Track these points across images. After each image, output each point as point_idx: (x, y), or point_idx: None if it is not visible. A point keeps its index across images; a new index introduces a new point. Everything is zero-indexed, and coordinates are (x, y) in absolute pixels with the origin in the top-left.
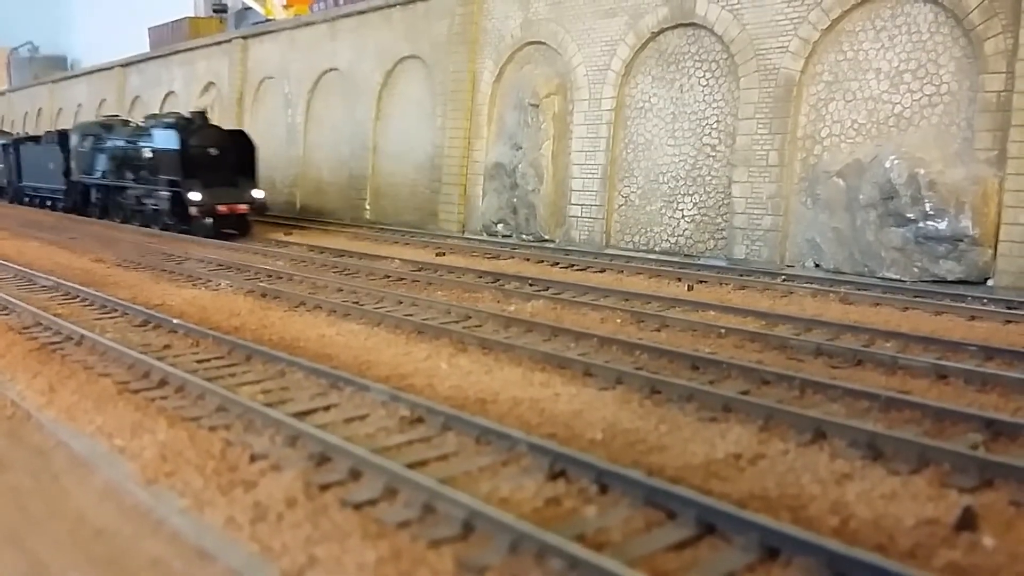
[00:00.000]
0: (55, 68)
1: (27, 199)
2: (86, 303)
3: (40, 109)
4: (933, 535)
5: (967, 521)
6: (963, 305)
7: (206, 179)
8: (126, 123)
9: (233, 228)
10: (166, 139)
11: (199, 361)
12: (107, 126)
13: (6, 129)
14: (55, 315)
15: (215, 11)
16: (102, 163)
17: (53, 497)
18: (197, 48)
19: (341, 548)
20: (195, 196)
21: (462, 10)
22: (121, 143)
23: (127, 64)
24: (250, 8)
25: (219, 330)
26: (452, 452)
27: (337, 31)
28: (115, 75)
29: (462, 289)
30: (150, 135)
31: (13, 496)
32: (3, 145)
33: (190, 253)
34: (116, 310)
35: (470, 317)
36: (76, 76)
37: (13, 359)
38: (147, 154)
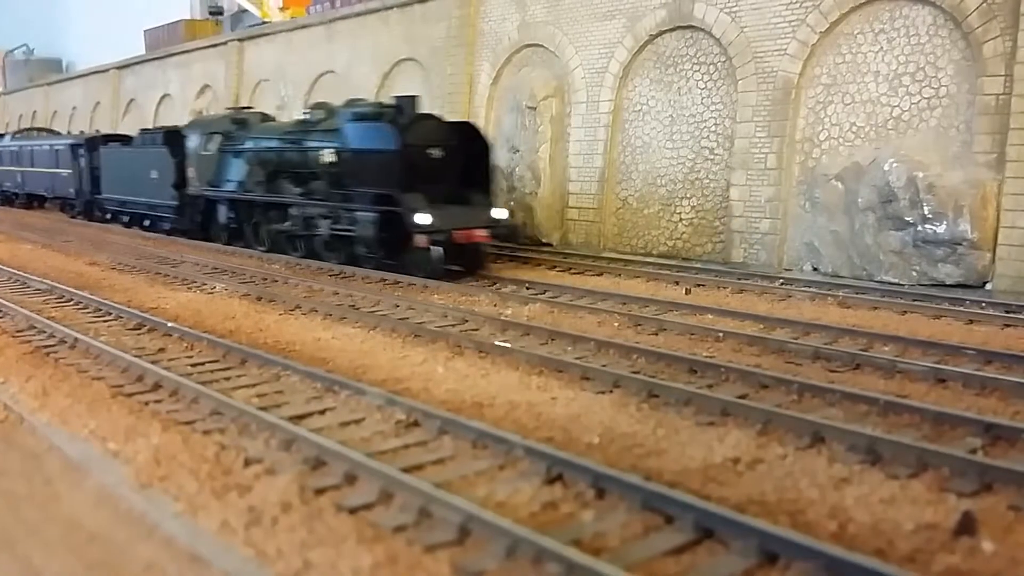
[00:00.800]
0: (50, 70)
1: (108, 216)
2: (80, 306)
3: (35, 112)
4: (932, 540)
5: (966, 526)
6: (962, 309)
7: (429, 193)
8: (266, 117)
9: (459, 261)
10: (372, 136)
11: (193, 365)
12: (240, 121)
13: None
14: (49, 318)
15: (211, 13)
16: (238, 171)
17: (46, 501)
18: (193, 50)
19: (336, 552)
20: (423, 218)
21: (459, 13)
22: (274, 144)
23: (122, 66)
24: (246, 11)
25: (214, 333)
26: (448, 456)
27: (334, 33)
28: (110, 77)
29: (458, 292)
30: (337, 132)
31: (5, 500)
32: (71, 146)
33: (185, 256)
34: (110, 313)
35: (467, 320)
36: (71, 78)
37: (6, 362)
38: (327, 158)
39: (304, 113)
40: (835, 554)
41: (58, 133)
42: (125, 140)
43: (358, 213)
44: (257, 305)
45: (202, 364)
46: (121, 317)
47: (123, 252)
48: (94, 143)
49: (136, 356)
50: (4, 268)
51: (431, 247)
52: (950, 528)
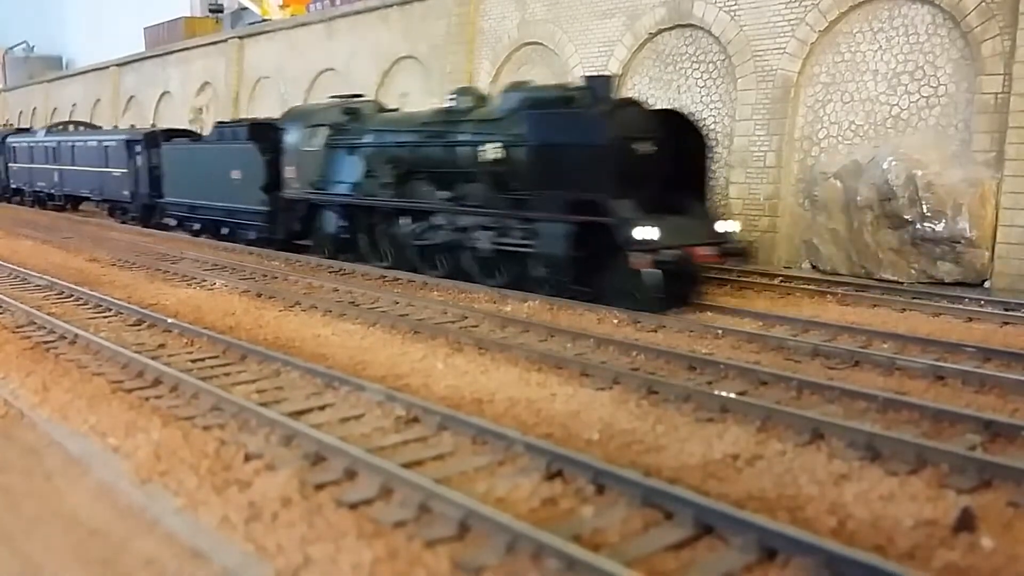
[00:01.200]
0: (50, 68)
1: (174, 223)
2: (80, 302)
3: (35, 109)
4: (931, 536)
5: (965, 522)
6: (960, 307)
7: (642, 200)
8: (383, 109)
9: (670, 287)
10: (564, 127)
11: (193, 360)
12: (352, 112)
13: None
14: (49, 314)
15: (211, 11)
16: (353, 170)
17: (46, 497)
18: (193, 48)
19: (336, 548)
20: (646, 232)
21: (459, 10)
22: (407, 137)
23: (122, 64)
24: (246, 8)
25: (214, 329)
26: (448, 452)
27: (334, 31)
28: (110, 75)
29: (458, 289)
30: (502, 121)
31: (5, 496)
32: (126, 142)
33: (185, 253)
34: (110, 309)
35: (466, 317)
36: (71, 76)
37: (7, 358)
38: (490, 155)
39: (448, 99)
40: (834, 550)
41: (97, 127)
42: (193, 136)
43: (542, 224)
44: (257, 301)
45: (202, 360)
46: (121, 313)
47: (123, 248)
48: (154, 139)
49: (136, 352)
50: (4, 264)
51: (648, 270)
52: (949, 524)
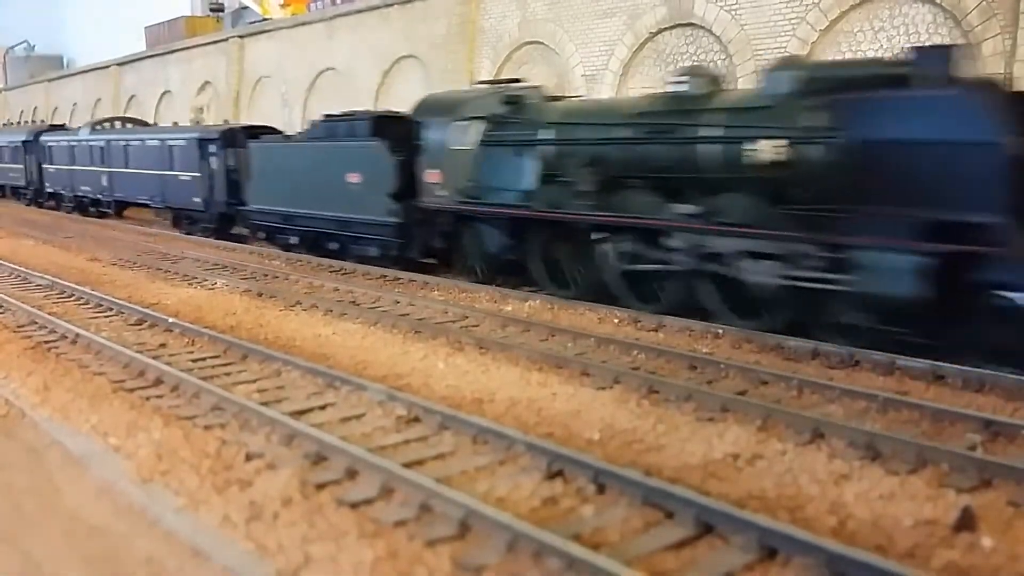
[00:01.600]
0: (51, 67)
1: (262, 235)
2: (81, 302)
3: (36, 108)
4: (932, 535)
5: (966, 521)
6: None
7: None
8: (550, 96)
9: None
10: (915, 117)
11: (194, 360)
12: (514, 100)
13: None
14: (50, 314)
15: (212, 10)
16: (524, 175)
17: (47, 496)
18: (194, 47)
19: (337, 547)
20: None
21: (460, 10)
22: (622, 133)
23: (123, 63)
24: (247, 7)
25: (214, 329)
26: (449, 452)
27: (334, 30)
28: (111, 74)
29: (458, 289)
30: (775, 111)
31: (7, 495)
32: (198, 142)
33: (185, 252)
34: (111, 309)
35: (467, 317)
36: (72, 75)
37: (8, 357)
38: (765, 155)
39: (677, 82)
40: (835, 550)
41: (149, 124)
42: (280, 134)
43: (867, 254)
44: (258, 301)
45: (203, 360)
46: (122, 313)
47: (124, 248)
48: (232, 137)
49: (137, 352)
50: (6, 264)
51: None
52: (950, 524)
